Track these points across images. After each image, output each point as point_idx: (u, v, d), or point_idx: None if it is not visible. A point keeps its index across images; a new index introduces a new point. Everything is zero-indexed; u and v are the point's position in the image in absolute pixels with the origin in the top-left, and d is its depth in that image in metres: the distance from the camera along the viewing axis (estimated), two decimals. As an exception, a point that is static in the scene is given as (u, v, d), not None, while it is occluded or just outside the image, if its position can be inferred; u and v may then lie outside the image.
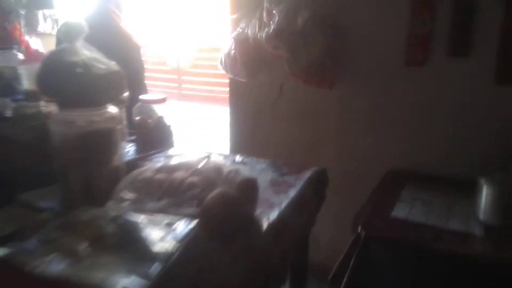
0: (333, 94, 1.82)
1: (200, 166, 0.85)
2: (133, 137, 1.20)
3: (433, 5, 1.52)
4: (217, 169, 0.84)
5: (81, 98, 0.73)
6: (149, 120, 1.15)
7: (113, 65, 0.78)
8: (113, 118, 0.79)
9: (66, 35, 0.76)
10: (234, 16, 2.03)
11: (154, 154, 1.07)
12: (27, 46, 2.87)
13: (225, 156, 1.20)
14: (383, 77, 1.72)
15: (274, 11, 1.76)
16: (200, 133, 2.79)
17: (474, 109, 1.55)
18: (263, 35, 1.81)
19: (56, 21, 2.98)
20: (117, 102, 0.85)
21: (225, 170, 0.85)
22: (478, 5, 1.46)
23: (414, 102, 1.67)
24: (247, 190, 0.75)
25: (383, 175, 1.69)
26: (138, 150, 1.14)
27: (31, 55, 2.89)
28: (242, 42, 1.93)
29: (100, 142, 0.78)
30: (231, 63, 2.02)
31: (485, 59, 1.48)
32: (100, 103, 0.76)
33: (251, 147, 2.16)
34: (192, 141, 2.64)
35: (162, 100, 1.20)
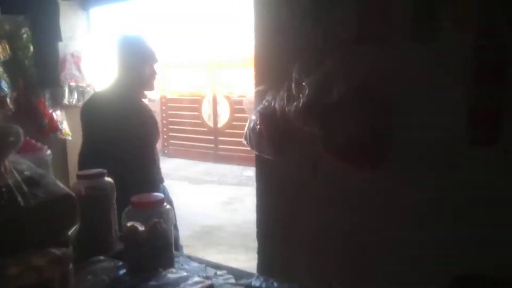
0: (377, 178, 1.52)
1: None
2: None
3: (502, 73, 1.23)
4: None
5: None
6: (141, 228, 0.89)
7: (60, 188, 0.54)
8: (59, 260, 0.53)
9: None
10: (260, 88, 1.83)
11: (143, 281, 0.79)
12: (51, 119, 2.81)
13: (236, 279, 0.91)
14: (440, 160, 1.40)
15: (304, 83, 1.54)
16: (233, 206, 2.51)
17: None
18: (292, 109, 1.58)
19: (82, 93, 2.94)
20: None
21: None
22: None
23: (483, 191, 1.33)
24: None
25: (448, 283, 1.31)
26: (128, 271, 0.87)
27: (53, 128, 2.81)
28: (268, 116, 1.71)
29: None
30: (257, 139, 1.78)
31: None
32: (35, 243, 0.52)
33: (281, 236, 1.86)
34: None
35: (159, 203, 0.94)
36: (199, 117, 7.80)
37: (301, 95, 1.55)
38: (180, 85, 8.75)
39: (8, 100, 2.63)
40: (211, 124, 7.60)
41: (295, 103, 1.56)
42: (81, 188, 1.02)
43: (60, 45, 2.84)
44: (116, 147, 1.84)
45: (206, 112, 7.72)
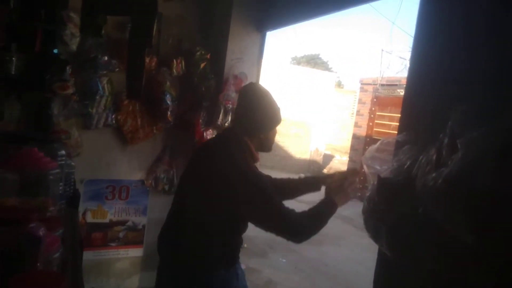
0: None
1: None
2: None
3: None
4: None
5: None
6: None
7: None
8: None
9: None
10: (400, 136, 1.14)
11: None
12: (201, 138, 2.76)
13: None
14: None
15: (458, 141, 0.80)
16: None
17: None
18: (429, 181, 0.85)
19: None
20: None
21: None
22: None
23: None
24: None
25: None
26: None
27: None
28: (393, 186, 1.01)
29: None
30: (373, 221, 1.10)
31: None
32: None
33: None
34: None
35: None
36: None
37: (449, 161, 0.82)
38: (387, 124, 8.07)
39: (169, 113, 2.72)
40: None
41: (435, 173, 0.84)
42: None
43: (226, 65, 2.80)
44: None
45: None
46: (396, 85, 8.23)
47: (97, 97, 2.62)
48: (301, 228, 1.49)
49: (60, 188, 1.15)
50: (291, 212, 1.47)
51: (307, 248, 4.94)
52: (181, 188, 1.73)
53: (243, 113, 1.65)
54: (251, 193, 1.47)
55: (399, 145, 1.10)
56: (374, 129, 8.52)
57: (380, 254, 1.21)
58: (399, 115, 1.24)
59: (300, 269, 4.22)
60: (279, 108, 1.66)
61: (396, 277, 1.13)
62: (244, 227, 1.62)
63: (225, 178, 1.48)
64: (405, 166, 1.00)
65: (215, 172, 1.52)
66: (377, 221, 1.06)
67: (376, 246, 1.14)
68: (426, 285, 1.02)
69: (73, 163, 1.61)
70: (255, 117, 1.61)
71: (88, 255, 2.81)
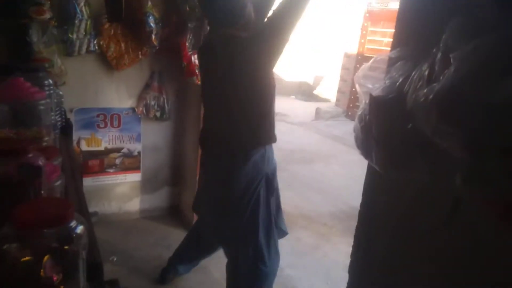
0: None
1: None
2: None
3: None
4: None
5: None
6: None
7: None
8: None
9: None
10: (393, 53, 1.12)
11: None
12: (189, 62, 2.69)
13: None
14: None
15: (451, 55, 0.80)
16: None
17: None
18: (420, 97, 0.86)
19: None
20: None
21: None
22: None
23: None
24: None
25: None
26: None
27: (190, 72, 2.69)
28: (385, 104, 1.02)
29: None
30: (363, 136, 1.13)
31: None
32: None
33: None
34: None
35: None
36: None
37: (441, 77, 0.82)
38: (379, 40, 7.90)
39: (153, 36, 2.61)
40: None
41: (426, 89, 0.84)
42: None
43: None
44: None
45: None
46: (389, -2, 7.86)
47: (76, 21, 2.48)
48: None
49: (52, 118, 1.14)
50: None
51: (299, 167, 5.13)
52: (210, 90, 1.95)
53: (221, 8, 1.75)
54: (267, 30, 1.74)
55: (392, 62, 1.08)
56: (366, 46, 8.32)
57: (370, 168, 1.26)
58: (393, 30, 1.20)
59: (292, 186, 4.42)
60: None
61: (385, 190, 1.20)
62: (272, 106, 1.88)
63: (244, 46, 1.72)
64: (397, 83, 1.00)
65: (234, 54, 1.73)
66: (367, 138, 1.09)
67: (366, 162, 1.19)
68: (417, 196, 1.08)
69: (61, 92, 1.58)
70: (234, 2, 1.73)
71: (88, 181, 2.90)
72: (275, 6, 1.80)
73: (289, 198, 3.90)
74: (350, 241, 1.33)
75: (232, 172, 1.86)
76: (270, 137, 1.92)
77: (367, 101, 1.05)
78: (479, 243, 0.90)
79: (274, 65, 1.80)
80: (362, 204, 1.30)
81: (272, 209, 1.98)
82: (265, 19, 1.86)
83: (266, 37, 1.72)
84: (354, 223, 1.32)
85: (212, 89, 1.92)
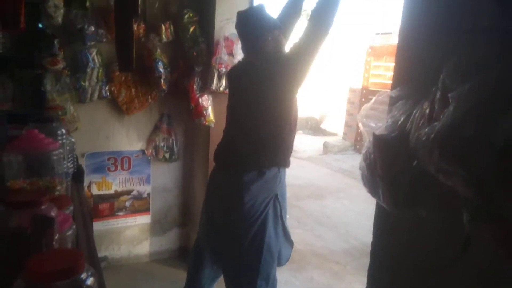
0: None
1: None
2: None
3: None
4: None
5: None
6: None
7: None
8: None
9: None
10: (394, 92, 1.15)
11: None
12: (197, 104, 2.76)
13: None
14: None
15: (449, 95, 0.82)
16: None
17: None
18: (422, 136, 0.88)
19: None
20: None
21: None
22: None
23: None
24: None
25: None
26: None
27: (198, 114, 2.75)
28: (387, 142, 1.04)
29: None
30: (370, 176, 1.14)
31: None
32: None
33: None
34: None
35: None
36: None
37: (441, 116, 0.84)
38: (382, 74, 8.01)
39: (162, 81, 2.70)
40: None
41: (427, 128, 0.86)
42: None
43: (216, 27, 2.74)
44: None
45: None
46: (390, 33, 8.06)
47: (88, 70, 2.59)
48: (325, 25, 1.90)
49: (64, 166, 1.17)
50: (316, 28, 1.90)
51: (309, 203, 5.08)
52: (232, 108, 2.11)
53: (242, 40, 2.03)
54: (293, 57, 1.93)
55: (392, 100, 1.11)
56: (370, 80, 8.45)
57: (378, 205, 1.26)
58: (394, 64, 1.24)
59: (303, 223, 4.36)
60: (269, 16, 1.96)
61: (395, 228, 1.19)
62: (290, 132, 2.00)
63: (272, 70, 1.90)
64: (399, 122, 1.02)
65: (262, 77, 1.92)
66: (373, 176, 1.10)
67: (374, 198, 1.19)
68: (428, 234, 1.08)
69: (73, 140, 1.63)
70: (250, 35, 1.95)
71: (98, 226, 2.90)
72: (296, 32, 2.07)
73: (299, 235, 3.84)
74: (364, 280, 1.30)
75: (245, 184, 1.92)
76: (285, 161, 2.01)
77: (371, 140, 1.07)
78: (491, 280, 0.88)
79: (297, 92, 1.97)
80: (373, 244, 1.29)
81: (278, 233, 2.03)
82: (289, 47, 2.02)
83: (291, 65, 1.88)
84: (367, 260, 1.30)
85: (238, 107, 2.06)
